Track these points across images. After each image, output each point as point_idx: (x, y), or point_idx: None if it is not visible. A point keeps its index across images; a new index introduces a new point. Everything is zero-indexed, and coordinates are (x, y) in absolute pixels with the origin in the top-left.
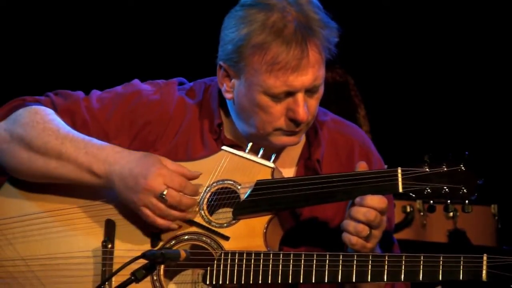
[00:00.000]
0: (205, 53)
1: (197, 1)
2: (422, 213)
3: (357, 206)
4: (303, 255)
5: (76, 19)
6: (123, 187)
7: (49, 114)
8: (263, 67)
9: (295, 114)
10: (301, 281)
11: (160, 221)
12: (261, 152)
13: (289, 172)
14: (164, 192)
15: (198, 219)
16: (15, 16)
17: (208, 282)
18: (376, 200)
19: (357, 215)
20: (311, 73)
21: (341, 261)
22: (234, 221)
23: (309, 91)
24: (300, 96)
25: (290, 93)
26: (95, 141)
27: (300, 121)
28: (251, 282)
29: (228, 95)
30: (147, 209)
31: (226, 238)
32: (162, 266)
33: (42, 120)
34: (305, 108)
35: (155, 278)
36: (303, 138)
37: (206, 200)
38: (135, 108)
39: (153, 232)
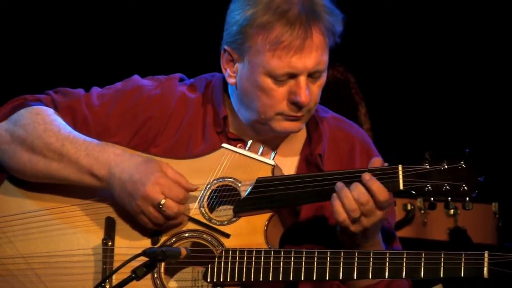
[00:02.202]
0: (204, 50)
1: None
2: (422, 211)
3: (359, 184)
4: (304, 253)
5: (76, 17)
6: (121, 191)
7: (50, 114)
8: (267, 47)
9: (297, 96)
10: (302, 279)
11: (156, 228)
12: (261, 149)
13: (290, 167)
14: (162, 202)
15: (198, 217)
16: (15, 15)
17: (209, 280)
18: (377, 186)
19: (353, 191)
20: (314, 56)
21: (342, 258)
22: (234, 219)
23: (311, 76)
24: (302, 79)
25: (293, 76)
26: (96, 142)
27: (302, 103)
28: (252, 279)
29: (231, 80)
30: (144, 217)
31: (227, 235)
32: (163, 264)
33: (43, 121)
34: (307, 91)
35: (155, 275)
36: (304, 133)
37: (206, 197)
38: (136, 104)
39: (153, 229)
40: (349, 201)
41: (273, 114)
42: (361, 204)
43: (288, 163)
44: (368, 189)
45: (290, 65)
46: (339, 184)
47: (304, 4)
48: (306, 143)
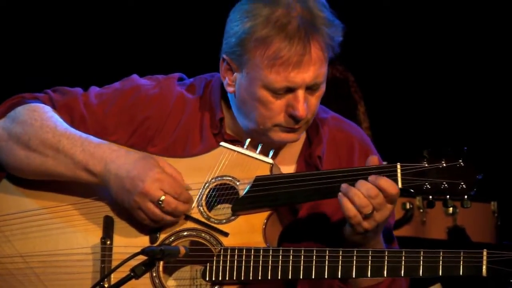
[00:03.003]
0: (205, 49)
1: None
2: (421, 210)
3: (364, 181)
4: (302, 251)
5: (75, 17)
6: (118, 187)
7: (47, 111)
8: (265, 62)
9: (294, 110)
10: (301, 277)
11: (154, 225)
12: (259, 148)
13: (289, 169)
14: (161, 198)
15: (197, 215)
16: (15, 15)
17: (207, 278)
18: (384, 181)
19: (361, 188)
20: (312, 70)
21: (340, 256)
22: (233, 217)
23: (310, 89)
24: (300, 93)
25: (291, 89)
26: (92, 138)
27: (299, 117)
28: (250, 278)
29: (229, 89)
30: (142, 212)
31: (225, 234)
32: (161, 263)
33: (40, 118)
34: (305, 105)
35: (154, 274)
36: (303, 135)
37: (205, 196)
38: (134, 103)
39: (152, 228)
40: (359, 198)
41: (270, 125)
42: (371, 198)
43: (287, 165)
44: (378, 187)
45: (288, 80)
46: (344, 185)
47: (303, 17)
48: (306, 145)
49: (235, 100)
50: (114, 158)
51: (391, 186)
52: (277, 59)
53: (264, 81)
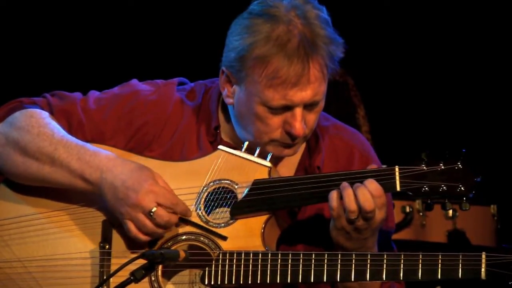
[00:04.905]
0: (206, 52)
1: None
2: (421, 214)
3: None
4: (301, 255)
5: (76, 19)
6: (112, 196)
7: (44, 118)
8: (263, 80)
9: (291, 128)
10: (300, 281)
11: (143, 237)
12: (257, 151)
13: None
14: (153, 210)
15: (195, 219)
16: (15, 16)
17: (206, 283)
18: (373, 185)
19: (365, 187)
20: (310, 89)
21: (339, 260)
22: (231, 221)
23: (309, 106)
24: (298, 111)
25: (288, 107)
26: (89, 146)
27: (296, 135)
28: (249, 282)
29: (228, 100)
30: (132, 224)
31: (224, 238)
32: (160, 267)
33: (37, 124)
34: (303, 123)
35: (153, 278)
36: (303, 145)
37: (203, 200)
38: (132, 109)
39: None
40: (364, 195)
41: (267, 140)
42: (376, 197)
43: (285, 173)
44: (366, 187)
45: (286, 98)
46: (344, 183)
47: (304, 35)
48: (305, 155)
49: (234, 112)
50: (110, 167)
51: (378, 190)
52: (276, 79)
53: (262, 98)
